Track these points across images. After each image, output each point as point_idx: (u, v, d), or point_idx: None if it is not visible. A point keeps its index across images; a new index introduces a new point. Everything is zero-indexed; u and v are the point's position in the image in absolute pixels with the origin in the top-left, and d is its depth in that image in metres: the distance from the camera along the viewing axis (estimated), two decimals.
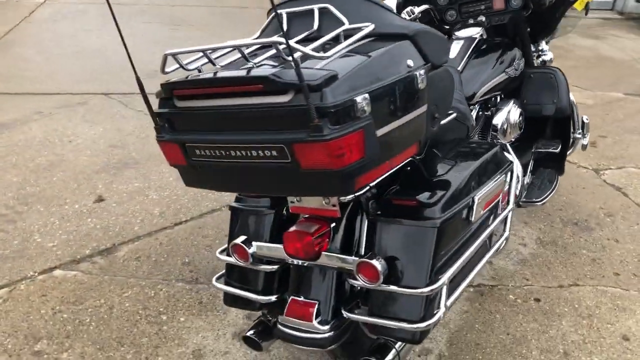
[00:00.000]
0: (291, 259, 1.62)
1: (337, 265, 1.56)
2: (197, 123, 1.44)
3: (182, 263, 2.52)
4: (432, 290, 1.44)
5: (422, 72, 1.47)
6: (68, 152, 3.59)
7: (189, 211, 2.94)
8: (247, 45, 1.43)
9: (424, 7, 2.46)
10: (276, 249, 1.65)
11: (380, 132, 1.34)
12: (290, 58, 1.22)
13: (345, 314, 1.58)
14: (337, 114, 1.24)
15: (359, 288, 1.64)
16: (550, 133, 2.68)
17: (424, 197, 1.54)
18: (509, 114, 2.52)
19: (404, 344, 1.61)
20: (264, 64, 1.44)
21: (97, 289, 2.33)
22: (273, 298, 1.71)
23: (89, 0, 7.60)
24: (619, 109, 4.88)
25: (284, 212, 1.78)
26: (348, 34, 1.49)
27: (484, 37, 2.57)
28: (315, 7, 1.59)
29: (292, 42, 1.28)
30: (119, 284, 2.36)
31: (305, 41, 1.59)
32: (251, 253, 1.68)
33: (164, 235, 2.73)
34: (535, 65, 2.85)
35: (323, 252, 1.56)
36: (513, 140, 2.58)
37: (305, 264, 1.63)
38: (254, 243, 1.69)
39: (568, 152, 2.75)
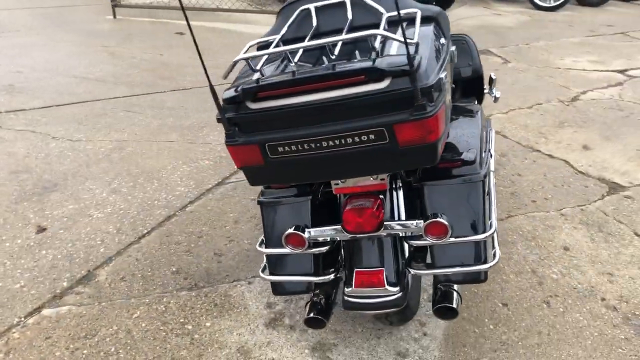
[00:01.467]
0: (351, 236, 1.75)
1: (401, 231, 1.75)
2: (283, 121, 1.51)
3: (171, 273, 2.49)
4: (490, 234, 1.71)
5: (454, 48, 1.70)
6: None
7: (145, 222, 2.87)
8: (334, 42, 1.52)
9: None
10: (333, 230, 1.78)
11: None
12: (377, 46, 1.38)
13: (412, 271, 1.79)
14: (432, 92, 1.43)
15: (412, 248, 1.86)
16: (467, 91, 3.09)
17: (464, 157, 1.78)
18: None
19: (458, 287, 1.86)
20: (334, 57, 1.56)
21: (102, 318, 2.23)
22: (331, 277, 1.85)
23: None
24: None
25: (319, 197, 1.91)
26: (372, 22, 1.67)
27: None
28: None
29: (387, 33, 1.44)
30: (123, 307, 2.29)
31: (335, 32, 1.73)
32: (307, 239, 1.78)
33: (134, 250, 2.65)
34: None
35: (385, 223, 1.73)
36: None
37: (363, 238, 1.78)
38: (307, 229, 1.79)
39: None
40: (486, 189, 1.77)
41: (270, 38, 1.82)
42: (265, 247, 1.90)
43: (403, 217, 1.84)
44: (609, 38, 7.16)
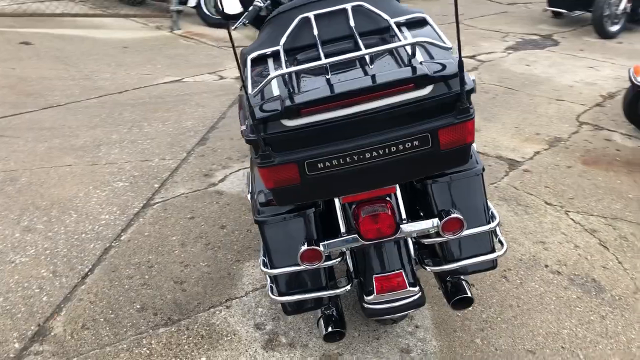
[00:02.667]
0: (368, 243, 1.76)
1: (418, 232, 1.79)
2: (324, 136, 1.47)
3: (137, 310, 2.29)
4: (497, 223, 1.83)
5: None
6: None
7: (82, 259, 2.59)
8: (376, 52, 1.51)
9: None
10: (349, 240, 1.77)
11: None
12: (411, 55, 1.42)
13: (429, 269, 1.86)
14: (470, 95, 1.49)
15: (419, 246, 1.91)
16: None
17: None
18: None
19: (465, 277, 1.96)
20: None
21: None
22: (347, 287, 1.85)
23: None
24: None
25: (320, 207, 1.88)
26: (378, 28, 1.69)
27: None
28: (349, 6, 1.71)
29: (432, 40, 1.47)
30: (100, 358, 2.06)
31: (342, 39, 1.71)
32: (323, 252, 1.75)
33: (83, 292, 2.38)
34: None
35: (401, 226, 1.76)
36: None
37: (377, 243, 1.79)
38: (321, 243, 1.76)
39: None
40: (484, 182, 1.89)
41: (271, 49, 1.73)
42: (270, 268, 1.82)
43: (404, 217, 1.88)
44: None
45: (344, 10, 1.74)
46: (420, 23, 1.77)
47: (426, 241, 1.83)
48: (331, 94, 1.44)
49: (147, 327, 2.21)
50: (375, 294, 1.78)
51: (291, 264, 1.79)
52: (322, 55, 1.59)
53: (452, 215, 1.73)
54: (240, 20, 2.86)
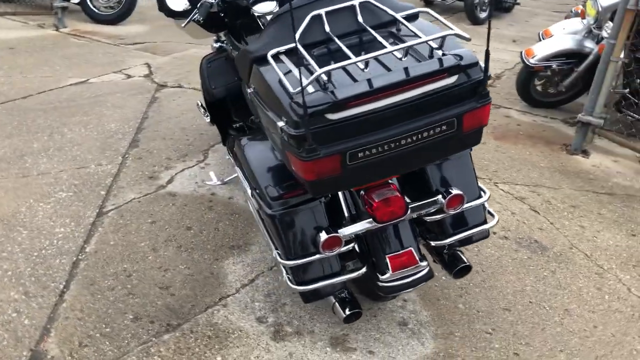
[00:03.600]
0: (382, 225, 1.90)
1: (426, 210, 1.95)
2: (365, 126, 1.58)
3: (132, 321, 2.25)
4: (487, 197, 2.05)
5: None
6: None
7: (53, 276, 2.46)
8: (410, 47, 1.63)
9: None
10: (364, 225, 1.90)
11: None
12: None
13: (433, 243, 2.04)
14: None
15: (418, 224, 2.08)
16: None
17: None
18: None
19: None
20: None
21: None
22: (363, 270, 1.98)
23: None
24: None
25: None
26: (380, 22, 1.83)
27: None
28: (356, 3, 1.81)
29: (458, 30, 1.63)
30: None
31: (351, 34, 1.82)
32: (342, 238, 1.87)
33: (66, 310, 2.28)
34: None
35: (410, 206, 1.92)
36: None
37: (387, 225, 1.93)
38: (340, 230, 1.88)
39: None
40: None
41: (287, 47, 1.77)
42: (288, 259, 1.90)
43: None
44: None
45: (352, 7, 1.84)
46: (415, 17, 1.92)
47: (429, 218, 2.00)
48: (378, 87, 1.55)
49: (149, 335, 2.17)
50: (390, 272, 1.92)
51: (309, 253, 1.88)
52: (346, 50, 1.68)
53: (455, 192, 1.92)
54: (191, 17, 2.84)
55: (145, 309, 2.30)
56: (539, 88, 4.81)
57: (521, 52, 4.60)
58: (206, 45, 3.50)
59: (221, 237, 2.79)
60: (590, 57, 4.37)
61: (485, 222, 2.08)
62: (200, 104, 3.55)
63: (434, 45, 1.67)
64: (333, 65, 1.54)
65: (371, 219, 1.87)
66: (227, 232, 2.83)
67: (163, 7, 2.99)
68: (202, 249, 2.69)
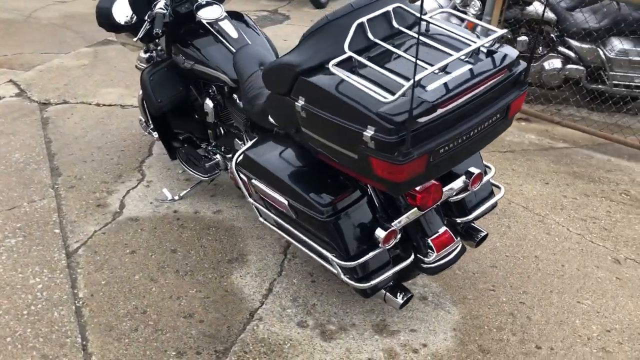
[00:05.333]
0: (424, 212, 2.11)
1: (455, 191, 2.18)
2: (447, 124, 1.76)
3: (177, 357, 2.17)
4: (493, 172, 2.35)
5: None
6: None
7: (62, 331, 2.24)
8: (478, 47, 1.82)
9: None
10: (411, 214, 2.09)
11: None
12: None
13: (459, 220, 2.28)
14: None
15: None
16: None
17: None
18: None
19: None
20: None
21: None
22: (412, 257, 2.16)
23: None
24: None
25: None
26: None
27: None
28: (390, 8, 1.95)
29: (502, 30, 1.85)
30: None
31: (389, 38, 1.95)
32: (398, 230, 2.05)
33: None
34: None
35: (443, 189, 2.13)
36: None
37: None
38: (393, 223, 2.05)
39: None
40: None
41: (343, 57, 1.83)
42: (350, 260, 2.01)
43: None
44: None
45: (387, 12, 1.96)
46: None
47: (454, 198, 2.23)
48: (465, 87, 1.71)
49: (179, 349, 2.13)
50: (435, 253, 2.13)
51: (367, 250, 2.01)
52: (403, 54, 1.81)
53: (477, 171, 2.17)
54: (145, 29, 2.71)
55: (184, 342, 2.23)
56: None
57: None
58: (66, 54, 3.29)
59: (212, 253, 2.74)
60: None
61: (493, 194, 2.37)
62: (142, 121, 3.36)
63: (486, 45, 1.88)
64: (427, 71, 1.66)
65: (415, 208, 2.05)
66: (215, 248, 2.78)
67: (105, 21, 2.80)
68: (201, 269, 2.63)
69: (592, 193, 3.47)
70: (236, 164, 2.35)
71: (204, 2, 2.89)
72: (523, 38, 4.66)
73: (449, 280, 2.65)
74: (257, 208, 2.38)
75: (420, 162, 1.74)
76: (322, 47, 1.91)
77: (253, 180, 2.28)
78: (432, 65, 1.74)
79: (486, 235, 2.35)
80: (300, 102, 1.90)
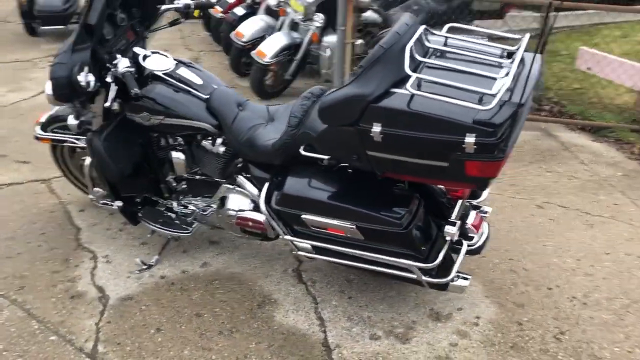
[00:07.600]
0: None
1: None
2: (515, 120, 2.06)
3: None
4: None
5: None
6: None
7: None
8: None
9: None
10: (460, 205, 2.41)
11: None
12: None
13: (474, 202, 2.63)
14: None
15: None
16: None
17: None
18: None
19: None
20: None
21: None
22: (466, 244, 2.46)
23: None
24: None
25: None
26: None
27: None
28: (422, 30, 2.26)
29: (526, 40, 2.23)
30: None
31: (425, 55, 2.23)
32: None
33: None
34: None
35: None
36: None
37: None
38: (453, 217, 2.37)
39: None
40: None
41: (413, 78, 2.01)
42: (427, 263, 2.26)
43: None
44: None
45: (421, 34, 2.20)
46: None
47: None
48: (524, 86, 2.00)
49: None
50: (475, 233, 2.46)
51: (440, 248, 2.28)
52: (462, 68, 2.09)
53: None
54: (114, 91, 2.52)
55: None
56: (269, 82, 5.45)
57: (232, 34, 5.55)
58: None
59: (237, 305, 2.67)
60: (304, 45, 5.29)
61: None
62: (95, 198, 3.02)
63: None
64: (509, 79, 1.95)
65: (460, 200, 2.36)
66: (236, 299, 2.71)
67: (65, 91, 2.48)
68: (240, 322, 2.56)
69: None
70: (275, 205, 2.38)
71: (142, 54, 2.76)
72: (360, 41, 5.21)
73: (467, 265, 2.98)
74: (292, 242, 2.46)
75: (507, 157, 2.03)
76: (384, 74, 2.06)
77: (303, 216, 2.33)
78: (487, 73, 2.06)
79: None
80: (377, 128, 2.04)
